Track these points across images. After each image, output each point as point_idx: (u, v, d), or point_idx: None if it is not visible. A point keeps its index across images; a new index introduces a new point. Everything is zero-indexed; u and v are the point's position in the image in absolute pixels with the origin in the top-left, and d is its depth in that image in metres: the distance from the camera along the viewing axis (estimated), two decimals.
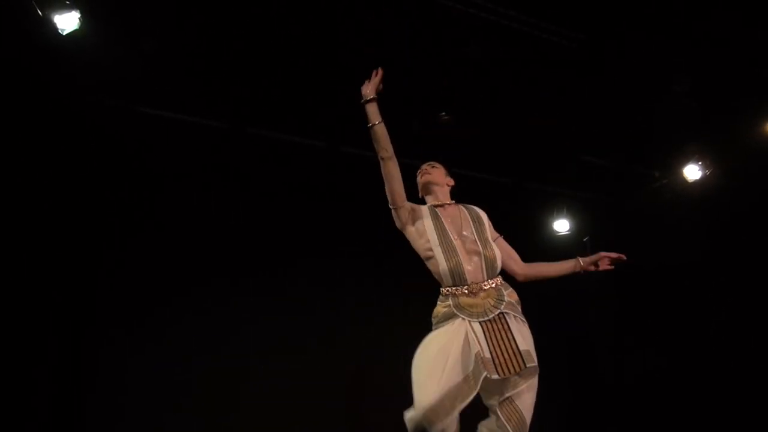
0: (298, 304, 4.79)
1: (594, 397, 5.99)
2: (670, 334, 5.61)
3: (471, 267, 2.45)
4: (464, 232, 2.54)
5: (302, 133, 4.88)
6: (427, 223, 2.52)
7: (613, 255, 2.61)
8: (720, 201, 5.20)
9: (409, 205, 2.55)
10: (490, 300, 2.40)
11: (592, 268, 2.63)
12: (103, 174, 4.40)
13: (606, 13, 3.94)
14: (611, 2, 3.89)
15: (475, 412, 2.42)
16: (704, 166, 5.19)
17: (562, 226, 5.79)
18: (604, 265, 2.62)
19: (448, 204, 2.66)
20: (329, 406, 4.66)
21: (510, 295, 2.47)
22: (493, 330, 2.35)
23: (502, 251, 2.57)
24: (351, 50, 4.01)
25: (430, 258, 2.49)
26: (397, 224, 2.59)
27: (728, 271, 5.27)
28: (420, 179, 2.75)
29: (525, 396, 2.35)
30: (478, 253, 2.48)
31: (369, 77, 2.49)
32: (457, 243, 2.49)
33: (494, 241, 2.58)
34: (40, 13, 3.41)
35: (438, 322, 2.46)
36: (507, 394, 2.33)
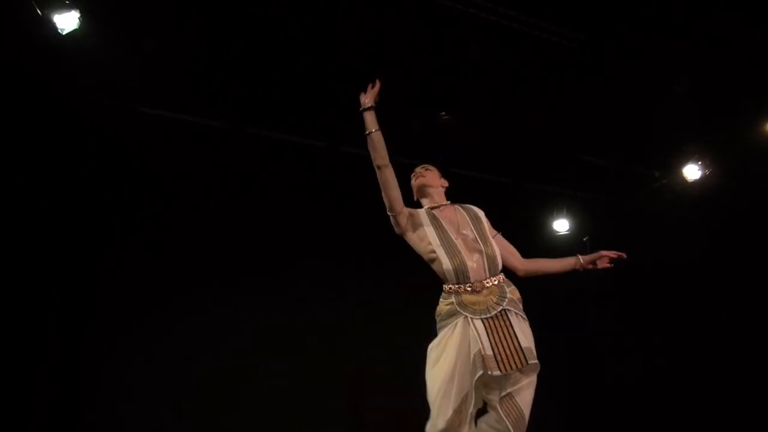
0: (298, 304, 4.79)
1: (593, 396, 5.99)
2: (670, 334, 5.61)
3: (474, 265, 2.48)
4: (464, 231, 2.57)
5: (302, 133, 4.88)
6: (426, 226, 2.56)
7: (613, 254, 2.64)
8: (720, 201, 5.20)
9: (407, 210, 2.59)
10: (492, 297, 2.43)
11: (591, 266, 2.67)
12: (103, 174, 4.40)
13: (606, 13, 3.95)
14: (611, 2, 3.90)
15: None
16: (704, 166, 5.19)
17: (561, 225, 5.79)
18: (603, 264, 2.66)
19: (445, 205, 2.70)
20: (329, 406, 4.66)
21: (512, 292, 2.50)
22: (496, 327, 2.38)
23: (501, 247, 2.62)
24: (351, 50, 4.02)
25: (433, 260, 2.53)
26: (396, 230, 2.61)
27: (728, 271, 5.26)
28: (414, 182, 2.77)
29: (525, 392, 2.38)
30: (479, 251, 2.51)
31: (369, 82, 2.53)
32: (458, 242, 2.52)
33: (493, 238, 2.62)
34: (39, 12, 3.41)
35: (441, 320, 2.48)
36: (507, 390, 2.36)
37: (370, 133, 2.47)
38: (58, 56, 3.74)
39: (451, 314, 2.44)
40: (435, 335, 2.52)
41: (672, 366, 5.54)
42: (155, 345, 4.27)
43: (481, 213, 2.70)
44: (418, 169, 2.79)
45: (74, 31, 3.46)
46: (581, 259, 2.66)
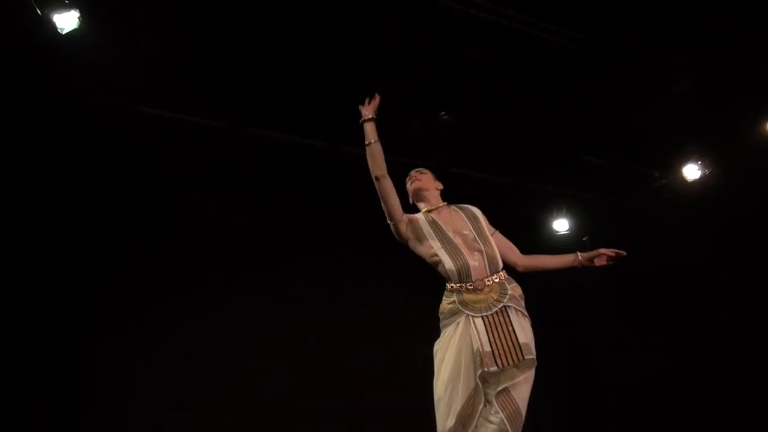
0: (298, 304, 4.79)
1: (591, 393, 5.99)
2: (670, 334, 5.61)
3: (476, 264, 2.53)
4: (464, 231, 2.61)
5: (302, 133, 4.88)
6: (426, 230, 2.60)
7: (611, 252, 2.67)
8: (720, 201, 5.20)
9: (406, 217, 2.63)
10: (493, 294, 2.48)
11: (589, 263, 2.71)
12: (103, 174, 4.40)
13: (606, 13, 3.95)
14: (611, 2, 3.90)
15: None
16: (704, 166, 5.19)
17: (561, 225, 5.79)
18: (601, 262, 2.69)
19: (441, 207, 2.73)
20: (329, 406, 4.66)
21: (514, 289, 2.55)
22: (495, 323, 2.43)
23: (500, 244, 2.67)
24: (351, 50, 4.02)
25: (437, 263, 2.57)
26: (397, 237, 2.66)
27: (728, 271, 5.27)
28: (410, 186, 2.81)
29: (521, 387, 2.42)
30: (480, 251, 2.56)
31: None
32: (458, 243, 2.57)
33: (492, 235, 2.66)
34: (39, 12, 3.41)
35: (444, 318, 2.53)
36: (504, 385, 2.39)
37: (370, 143, 2.53)
38: (57, 56, 3.73)
39: (454, 312, 2.48)
40: (436, 334, 2.57)
41: (671, 365, 5.54)
42: (155, 345, 4.27)
43: (478, 212, 2.74)
44: (412, 173, 2.83)
45: (74, 30, 3.46)
46: (580, 256, 2.70)
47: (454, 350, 2.43)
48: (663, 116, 4.76)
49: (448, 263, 2.51)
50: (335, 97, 4.25)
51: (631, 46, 4.17)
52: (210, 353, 4.38)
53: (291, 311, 4.74)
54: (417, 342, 3.16)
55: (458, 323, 2.46)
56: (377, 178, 2.52)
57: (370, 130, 2.53)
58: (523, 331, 2.46)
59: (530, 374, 2.45)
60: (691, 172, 5.25)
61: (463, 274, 2.50)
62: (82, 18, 3.45)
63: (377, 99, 2.57)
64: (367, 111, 2.55)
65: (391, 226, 2.61)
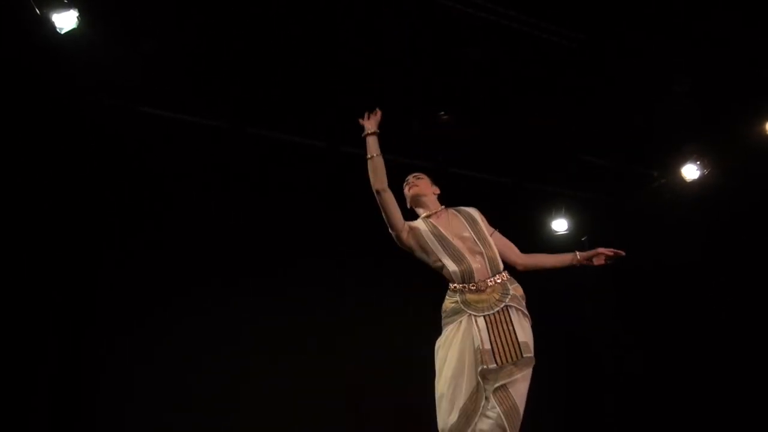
0: (298, 304, 4.79)
1: (590, 393, 5.99)
2: (669, 334, 5.61)
3: (478, 266, 2.57)
4: (464, 234, 2.64)
5: (302, 133, 4.88)
6: (427, 236, 2.63)
7: (609, 252, 2.69)
8: (719, 201, 5.20)
9: (407, 225, 2.66)
10: (495, 294, 2.52)
11: (588, 263, 2.74)
12: (103, 174, 4.40)
13: (606, 13, 3.95)
14: (611, 2, 3.90)
15: None
16: (703, 166, 5.19)
17: (560, 225, 5.79)
18: (600, 261, 2.72)
19: (439, 211, 2.75)
20: (329, 406, 4.66)
21: (515, 289, 2.59)
22: (496, 322, 2.48)
23: (500, 244, 2.70)
24: (351, 50, 4.02)
25: (441, 268, 2.60)
26: (399, 245, 2.69)
27: (727, 271, 5.27)
28: (408, 192, 2.82)
29: (519, 385, 2.45)
30: (480, 253, 2.59)
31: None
32: (459, 245, 2.59)
33: (491, 235, 2.69)
34: (38, 11, 3.40)
35: (447, 317, 2.56)
36: (502, 382, 2.42)
37: (372, 157, 2.56)
38: (57, 56, 3.73)
39: (456, 312, 2.52)
40: (436, 334, 2.60)
41: (671, 365, 5.54)
42: (155, 345, 4.28)
43: (476, 213, 2.76)
44: (410, 179, 2.84)
45: (73, 30, 3.45)
46: (578, 255, 2.73)
47: (456, 348, 2.46)
48: (663, 116, 4.76)
49: (451, 267, 2.55)
50: (335, 97, 4.25)
51: (631, 46, 4.17)
52: (210, 353, 4.38)
53: (291, 311, 4.74)
54: (417, 342, 3.16)
55: (461, 322, 2.50)
56: (378, 192, 2.56)
57: (372, 144, 2.57)
58: (523, 330, 2.51)
59: (528, 373, 2.48)
60: (691, 172, 5.25)
61: (467, 276, 2.54)
62: (81, 17, 3.45)
63: (378, 113, 2.61)
64: (370, 125, 2.58)
65: (393, 236, 2.66)
